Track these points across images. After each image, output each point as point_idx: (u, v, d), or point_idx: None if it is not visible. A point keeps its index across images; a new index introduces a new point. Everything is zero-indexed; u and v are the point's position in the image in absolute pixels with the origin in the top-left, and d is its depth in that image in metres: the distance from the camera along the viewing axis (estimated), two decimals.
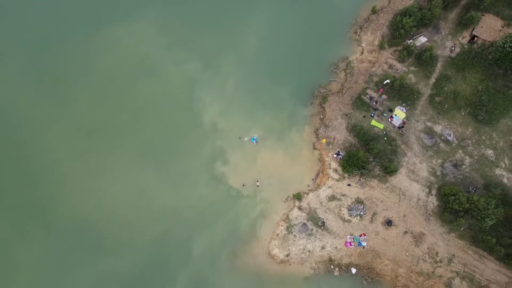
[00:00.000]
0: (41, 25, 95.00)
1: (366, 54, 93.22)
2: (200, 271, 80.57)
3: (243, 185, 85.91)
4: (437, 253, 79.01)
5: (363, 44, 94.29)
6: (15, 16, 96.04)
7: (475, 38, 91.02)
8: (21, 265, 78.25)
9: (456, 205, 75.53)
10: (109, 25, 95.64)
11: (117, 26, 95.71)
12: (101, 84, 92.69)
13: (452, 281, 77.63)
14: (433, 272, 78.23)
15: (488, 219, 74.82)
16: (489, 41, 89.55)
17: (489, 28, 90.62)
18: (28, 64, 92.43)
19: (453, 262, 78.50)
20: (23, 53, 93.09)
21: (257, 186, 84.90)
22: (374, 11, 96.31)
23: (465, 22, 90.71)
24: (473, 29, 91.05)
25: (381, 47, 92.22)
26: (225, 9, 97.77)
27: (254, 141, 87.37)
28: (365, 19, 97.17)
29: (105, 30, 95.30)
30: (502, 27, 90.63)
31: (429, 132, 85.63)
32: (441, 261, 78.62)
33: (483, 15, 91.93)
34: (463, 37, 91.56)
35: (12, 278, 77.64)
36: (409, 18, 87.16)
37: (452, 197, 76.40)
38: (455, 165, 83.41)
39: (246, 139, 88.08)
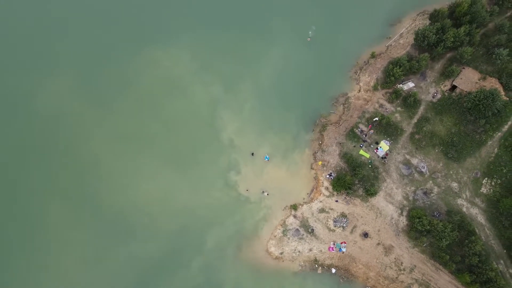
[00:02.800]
0: (93, 46, 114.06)
1: (362, 92, 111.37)
2: (210, 259, 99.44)
3: (247, 190, 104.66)
4: (402, 263, 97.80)
5: (361, 84, 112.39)
6: (72, 36, 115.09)
7: (455, 88, 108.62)
8: (72, 243, 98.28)
9: (419, 226, 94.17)
10: (150, 49, 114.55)
11: (156, 50, 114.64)
12: (140, 98, 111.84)
13: (411, 286, 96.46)
14: (397, 278, 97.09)
15: (444, 239, 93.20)
16: (466, 91, 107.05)
17: (467, 80, 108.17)
18: (81, 77, 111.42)
19: (414, 271, 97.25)
20: (77, 68, 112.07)
21: (267, 195, 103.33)
22: (373, 55, 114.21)
23: (447, 74, 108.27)
24: (454, 79, 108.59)
25: (375, 88, 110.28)
26: (248, 43, 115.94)
27: (266, 159, 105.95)
28: (365, 61, 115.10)
29: (146, 53, 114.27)
30: (479, 79, 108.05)
31: (407, 164, 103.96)
32: (404, 270, 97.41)
33: (463, 68, 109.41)
34: (445, 86, 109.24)
35: (65, 252, 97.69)
36: (399, 68, 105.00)
37: (417, 220, 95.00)
38: (425, 193, 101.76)
39: (264, 158, 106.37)
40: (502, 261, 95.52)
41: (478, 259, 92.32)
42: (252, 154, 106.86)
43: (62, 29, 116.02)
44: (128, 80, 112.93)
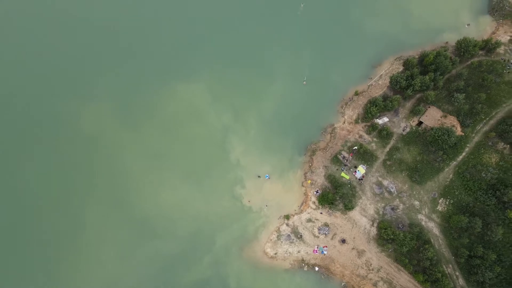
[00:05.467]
0: (126, 80, 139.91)
1: (346, 124, 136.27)
2: (218, 256, 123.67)
3: (249, 201, 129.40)
4: (371, 264, 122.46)
5: (346, 117, 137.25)
6: (109, 70, 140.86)
7: (421, 123, 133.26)
8: (108, 241, 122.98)
9: (385, 235, 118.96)
10: (173, 83, 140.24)
11: (179, 84, 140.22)
12: (164, 123, 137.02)
13: (378, 283, 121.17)
14: (366, 276, 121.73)
15: (404, 246, 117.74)
16: (430, 127, 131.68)
17: (431, 117, 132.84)
18: (116, 105, 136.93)
19: (381, 271, 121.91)
20: (113, 97, 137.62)
21: (266, 206, 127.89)
22: (356, 93, 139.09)
23: (415, 111, 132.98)
24: (420, 116, 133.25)
25: (356, 121, 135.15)
26: (255, 81, 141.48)
27: (267, 177, 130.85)
28: (350, 98, 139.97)
29: (170, 86, 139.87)
30: (441, 117, 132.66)
31: (379, 184, 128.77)
32: (373, 269, 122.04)
33: (429, 107, 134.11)
34: (413, 121, 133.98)
35: (102, 248, 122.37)
36: (375, 107, 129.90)
37: (384, 230, 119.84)
38: (392, 209, 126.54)
39: (265, 176, 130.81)
40: (450, 265, 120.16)
41: (429, 263, 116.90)
42: (259, 176, 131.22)
43: (102, 64, 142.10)
44: (154, 108, 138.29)
